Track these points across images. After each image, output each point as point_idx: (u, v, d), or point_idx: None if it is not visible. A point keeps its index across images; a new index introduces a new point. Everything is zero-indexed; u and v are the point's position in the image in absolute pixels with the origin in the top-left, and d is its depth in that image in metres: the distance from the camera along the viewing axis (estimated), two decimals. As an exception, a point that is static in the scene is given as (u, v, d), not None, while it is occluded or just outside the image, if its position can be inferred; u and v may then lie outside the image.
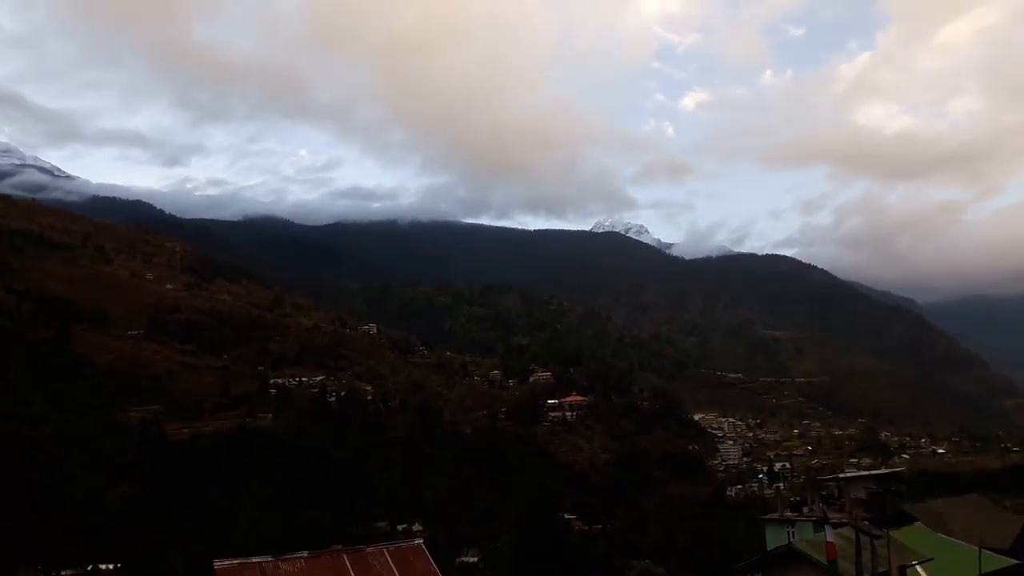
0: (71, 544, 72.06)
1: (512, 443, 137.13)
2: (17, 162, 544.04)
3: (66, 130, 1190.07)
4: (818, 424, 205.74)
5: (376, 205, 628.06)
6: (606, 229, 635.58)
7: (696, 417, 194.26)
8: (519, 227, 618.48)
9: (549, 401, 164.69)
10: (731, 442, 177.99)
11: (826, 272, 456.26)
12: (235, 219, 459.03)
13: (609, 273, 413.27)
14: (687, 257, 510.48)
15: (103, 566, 71.30)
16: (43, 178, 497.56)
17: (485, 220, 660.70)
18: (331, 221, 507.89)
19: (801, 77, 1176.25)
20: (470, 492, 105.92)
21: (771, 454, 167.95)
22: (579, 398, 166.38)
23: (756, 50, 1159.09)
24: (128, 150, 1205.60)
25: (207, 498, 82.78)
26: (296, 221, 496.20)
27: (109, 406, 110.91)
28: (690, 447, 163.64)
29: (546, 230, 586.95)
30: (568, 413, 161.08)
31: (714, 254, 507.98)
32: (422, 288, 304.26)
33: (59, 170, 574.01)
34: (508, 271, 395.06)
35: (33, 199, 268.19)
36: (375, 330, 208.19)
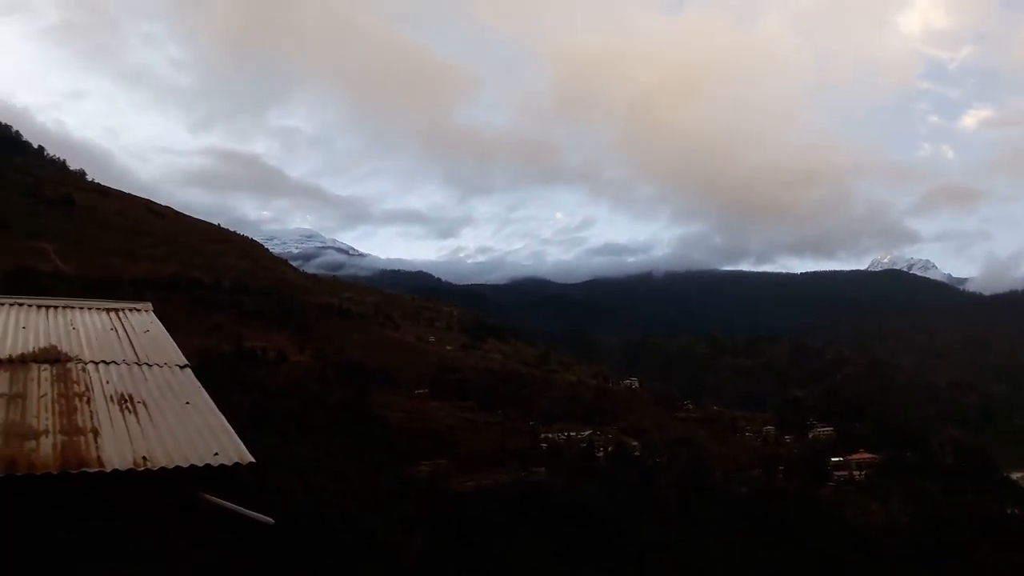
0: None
1: (793, 504, 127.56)
2: (319, 245, 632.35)
3: (357, 214, 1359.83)
4: None
5: (630, 259, 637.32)
6: (884, 267, 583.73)
7: (1014, 476, 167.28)
8: (783, 271, 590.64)
9: (832, 459, 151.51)
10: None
11: None
12: (502, 282, 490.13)
13: (892, 315, 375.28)
14: (986, 292, 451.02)
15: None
16: (340, 257, 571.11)
17: (745, 266, 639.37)
18: (588, 278, 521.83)
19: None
20: (748, 555, 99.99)
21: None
22: (868, 455, 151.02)
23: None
24: (408, 227, 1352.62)
25: (491, 549, 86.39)
26: (555, 280, 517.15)
27: (401, 460, 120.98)
28: (1008, 510, 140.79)
29: (815, 272, 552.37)
30: (856, 472, 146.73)
31: (1020, 287, 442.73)
32: (681, 340, 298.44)
33: (353, 249, 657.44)
34: (774, 318, 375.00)
35: (333, 276, 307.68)
36: (637, 384, 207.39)
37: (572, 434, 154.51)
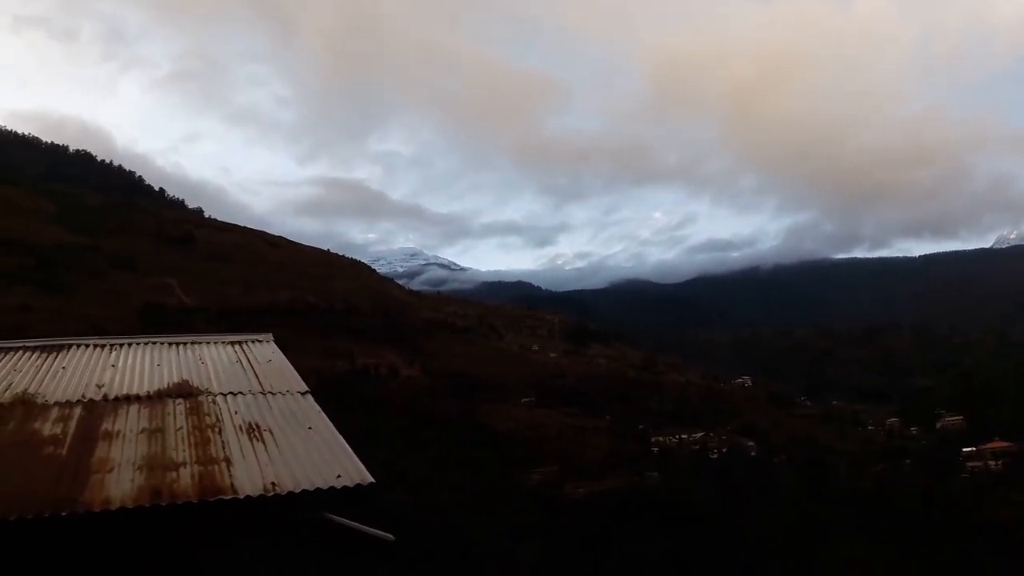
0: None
1: (921, 498, 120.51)
2: (423, 262, 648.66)
3: (457, 230, 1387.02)
4: None
5: (735, 254, 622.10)
6: (1012, 243, 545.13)
7: None
8: (901, 255, 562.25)
9: (964, 449, 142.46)
10: None
11: None
12: (601, 286, 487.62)
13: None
14: None
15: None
16: (443, 272, 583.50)
17: (859, 253, 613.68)
18: (691, 276, 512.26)
19: None
20: (873, 555, 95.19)
21: None
22: (1003, 444, 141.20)
23: None
24: (506, 238, 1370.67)
25: (604, 553, 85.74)
26: (657, 281, 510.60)
27: (511, 470, 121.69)
28: None
29: (935, 254, 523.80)
30: (992, 462, 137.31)
31: None
32: (794, 334, 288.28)
33: (455, 264, 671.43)
34: (894, 306, 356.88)
35: (437, 292, 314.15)
36: (749, 382, 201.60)
37: (684, 437, 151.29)
